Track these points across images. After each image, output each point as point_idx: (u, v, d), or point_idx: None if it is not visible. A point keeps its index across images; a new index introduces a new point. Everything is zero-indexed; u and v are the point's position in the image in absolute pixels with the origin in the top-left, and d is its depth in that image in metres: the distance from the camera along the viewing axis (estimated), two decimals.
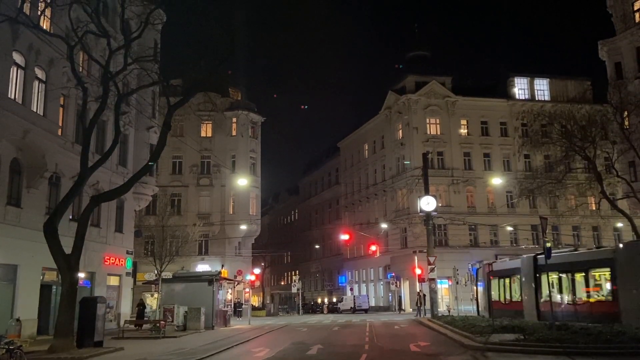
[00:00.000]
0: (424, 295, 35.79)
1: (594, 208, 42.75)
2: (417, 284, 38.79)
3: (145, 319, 27.48)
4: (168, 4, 23.56)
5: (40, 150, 21.86)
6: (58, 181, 24.60)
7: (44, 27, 21.56)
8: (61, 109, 25.07)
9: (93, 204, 19.37)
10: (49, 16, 22.07)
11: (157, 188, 37.39)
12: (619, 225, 47.95)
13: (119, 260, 30.71)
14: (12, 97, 20.53)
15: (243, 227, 49.86)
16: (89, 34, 19.86)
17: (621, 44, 36.45)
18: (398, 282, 49.21)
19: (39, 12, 20.93)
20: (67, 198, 18.55)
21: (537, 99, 53.78)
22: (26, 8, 19.96)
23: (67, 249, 17.54)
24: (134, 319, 28.18)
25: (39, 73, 22.28)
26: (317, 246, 72.81)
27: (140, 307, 27.41)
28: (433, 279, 29.82)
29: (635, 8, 36.04)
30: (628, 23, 36.26)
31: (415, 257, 41.00)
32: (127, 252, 32.11)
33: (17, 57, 20.84)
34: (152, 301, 37.66)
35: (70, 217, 24.35)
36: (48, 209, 22.93)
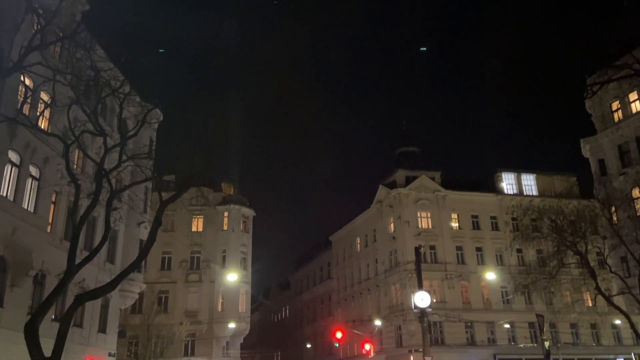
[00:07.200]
0: None
1: (590, 304, 42.03)
2: None
3: None
4: (165, 105, 24.23)
5: (28, 248, 21.48)
6: (43, 279, 23.95)
7: (42, 127, 22.02)
8: (52, 206, 25.00)
9: (77, 303, 18.62)
10: (48, 116, 22.62)
11: (144, 285, 36.47)
12: (617, 322, 46.93)
13: None
14: (4, 194, 20.52)
15: (232, 325, 48.16)
16: (86, 133, 20.24)
17: (603, 142, 37.16)
18: None
19: (38, 113, 21.45)
20: (51, 297, 17.89)
21: (525, 193, 54.68)
22: (25, 108, 20.48)
23: (47, 351, 16.63)
24: None
25: (33, 170, 22.40)
26: (308, 345, 70.02)
27: None
28: None
29: (613, 109, 37.42)
30: (607, 123, 37.31)
31: (412, 357, 39.49)
32: (110, 354, 30.64)
33: (13, 156, 21.06)
34: None
35: (53, 317, 23.45)
36: (31, 308, 22.12)
